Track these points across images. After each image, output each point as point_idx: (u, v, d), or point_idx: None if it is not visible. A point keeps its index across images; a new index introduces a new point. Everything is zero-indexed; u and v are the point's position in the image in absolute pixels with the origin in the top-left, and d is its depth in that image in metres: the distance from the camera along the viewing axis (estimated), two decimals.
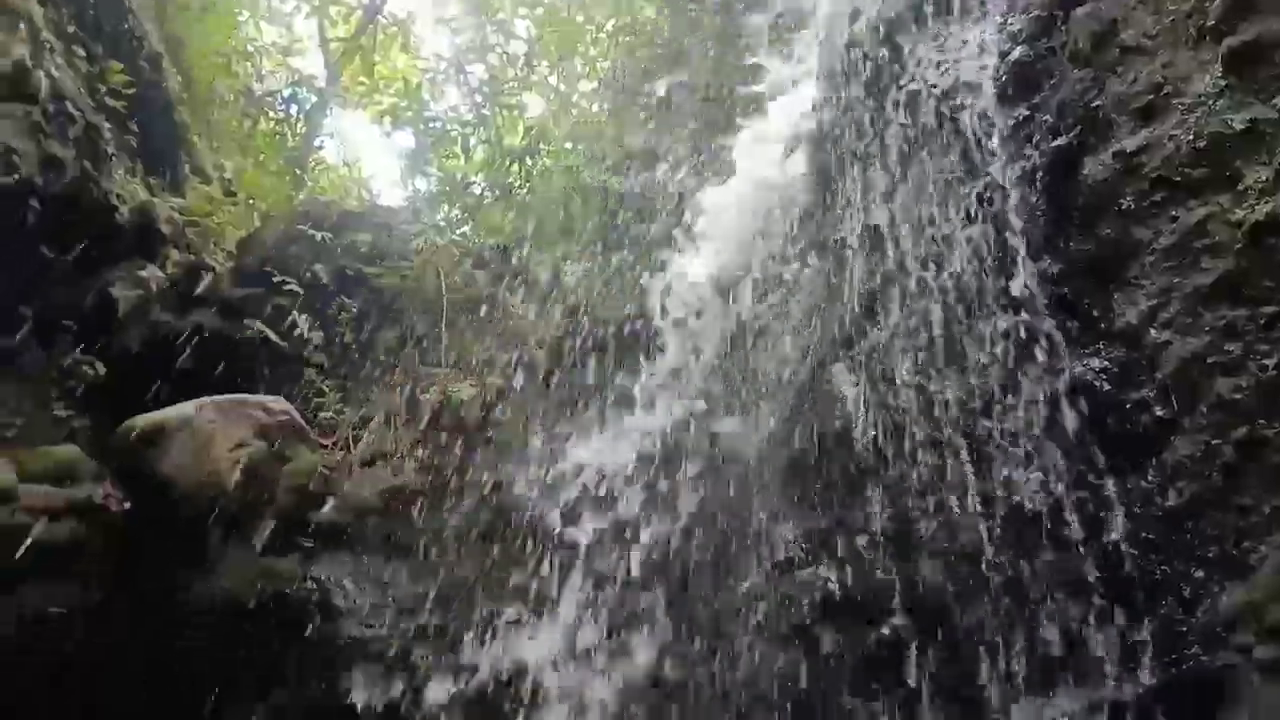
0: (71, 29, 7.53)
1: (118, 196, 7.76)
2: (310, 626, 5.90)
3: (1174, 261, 3.88)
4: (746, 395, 5.25)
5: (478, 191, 8.35)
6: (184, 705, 5.86)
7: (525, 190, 8.02)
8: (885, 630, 4.40)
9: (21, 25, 6.81)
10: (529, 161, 8.11)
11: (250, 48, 11.70)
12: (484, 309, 7.13)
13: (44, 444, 6.85)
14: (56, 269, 7.41)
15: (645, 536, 5.31)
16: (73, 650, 5.86)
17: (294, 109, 13.03)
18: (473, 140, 8.42)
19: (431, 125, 10.09)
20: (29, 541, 5.99)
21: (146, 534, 6.20)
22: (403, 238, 7.92)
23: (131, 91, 8.05)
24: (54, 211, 7.26)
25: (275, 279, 7.40)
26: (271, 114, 12.29)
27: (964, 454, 4.33)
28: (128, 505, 6.27)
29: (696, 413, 5.31)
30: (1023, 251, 4.45)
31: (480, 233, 7.99)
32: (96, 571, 6.13)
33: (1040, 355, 4.33)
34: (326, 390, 7.02)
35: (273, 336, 7.22)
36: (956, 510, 4.33)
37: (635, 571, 5.09)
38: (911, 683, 4.27)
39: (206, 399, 6.46)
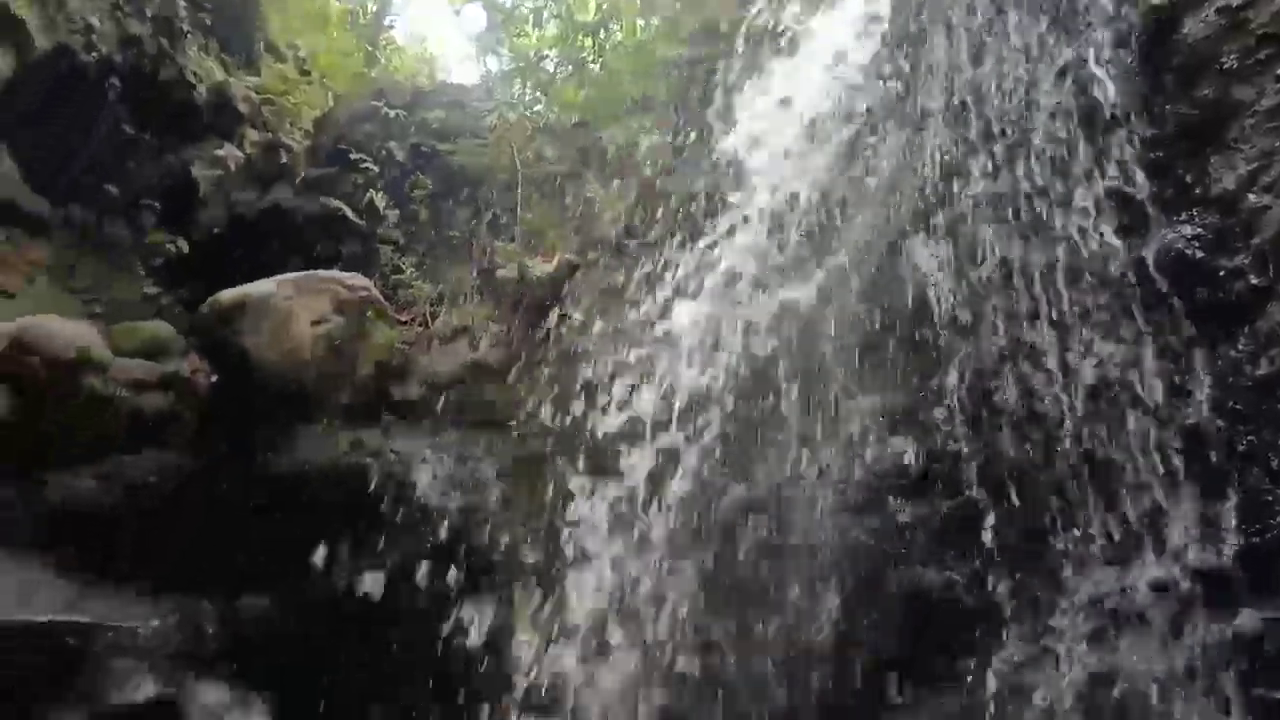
0: None
1: (194, 74, 7.81)
2: (388, 497, 6.07)
3: (1277, 122, 3.71)
4: (824, 269, 5.18)
5: (550, 68, 8.24)
6: (268, 569, 6.11)
7: (598, 65, 7.90)
8: (961, 501, 4.38)
9: None
10: (601, 35, 7.97)
11: None
12: (558, 184, 7.09)
13: (133, 320, 7.05)
14: (139, 147, 7.52)
15: (716, 411, 5.30)
16: (162, 515, 6.10)
17: None
18: (545, 15, 8.29)
19: (501, 2, 9.94)
20: (123, 412, 6.23)
21: (231, 406, 6.38)
22: (476, 115, 7.87)
23: None
24: (133, 89, 7.33)
25: (351, 157, 7.43)
26: None
27: (1045, 324, 4.24)
28: (214, 379, 6.44)
29: (772, 287, 5.26)
30: (1115, 116, 4.29)
31: (553, 109, 7.91)
32: (185, 441, 6.34)
33: (1130, 222, 4.20)
34: (403, 267, 7.08)
35: (350, 214, 7.27)
36: (1036, 381, 4.26)
37: (707, 440, 5.11)
38: (986, 553, 4.26)
39: (287, 275, 6.55)
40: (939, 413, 4.62)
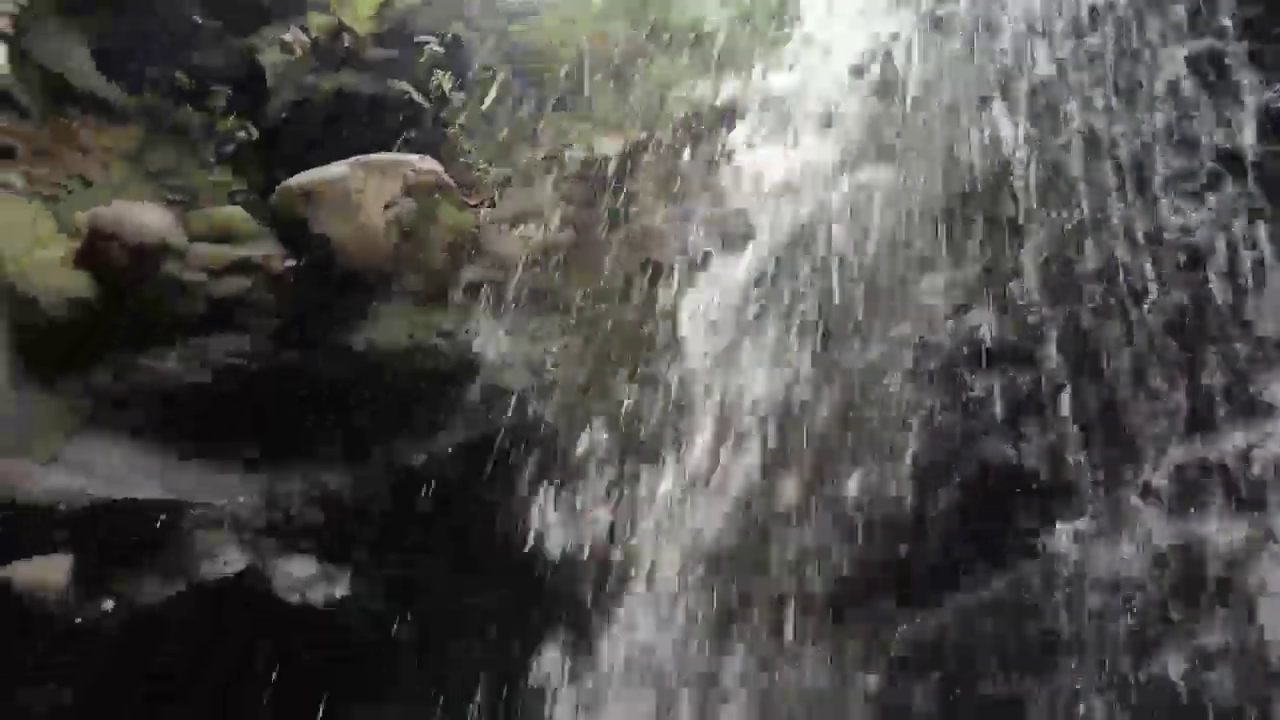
0: None
1: None
2: (463, 377, 6.16)
3: None
4: (899, 139, 5.08)
5: None
6: (347, 448, 6.27)
7: None
8: (1038, 374, 4.33)
9: None
10: None
11: None
12: (627, 62, 6.98)
13: (207, 206, 7.14)
14: (206, 32, 7.52)
15: (788, 284, 5.25)
16: (244, 396, 6.26)
17: None
18: None
19: None
20: (202, 297, 6.35)
21: (305, 290, 6.46)
22: None
23: None
24: None
25: (417, 39, 7.36)
26: None
27: (1130, 192, 4.12)
28: (288, 263, 6.51)
29: (845, 160, 5.17)
30: None
31: None
32: (262, 325, 6.45)
33: (1222, 85, 4.03)
34: (470, 149, 7.05)
35: (416, 96, 7.22)
36: (1120, 251, 4.16)
37: (778, 316, 5.09)
38: (1064, 425, 4.23)
39: (357, 159, 6.57)
40: (1016, 285, 4.54)
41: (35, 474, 5.73)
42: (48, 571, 5.62)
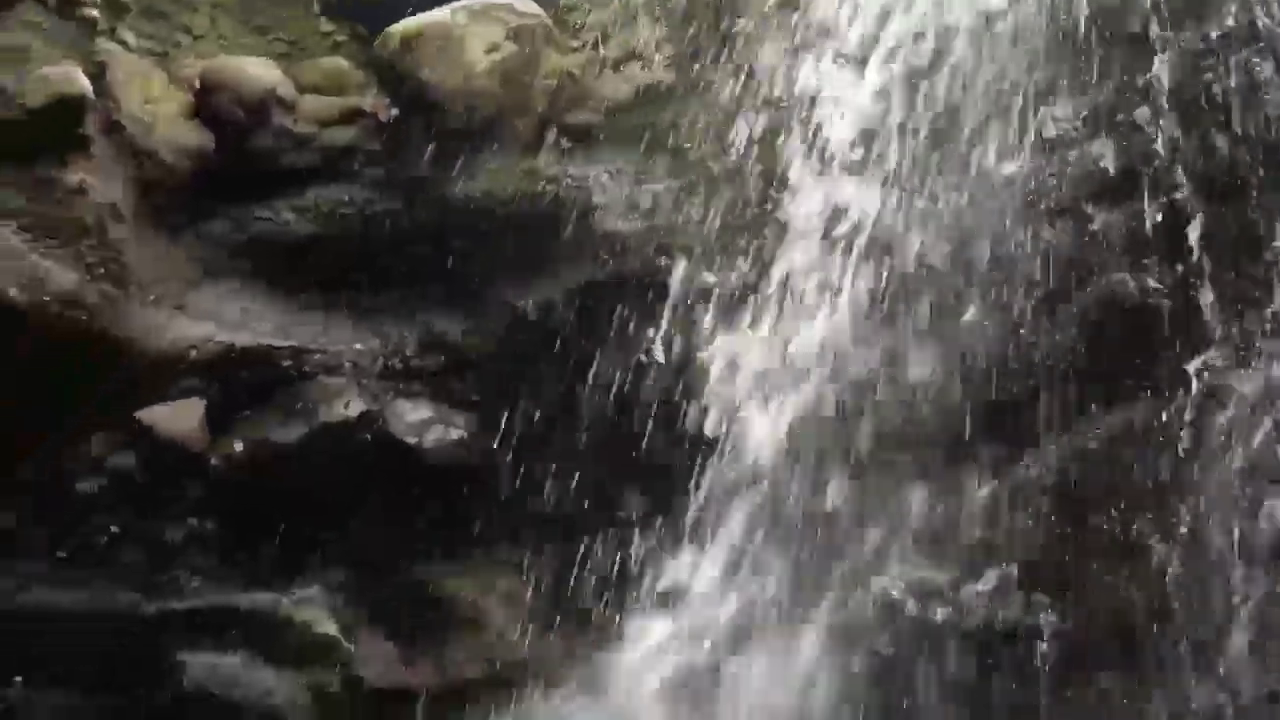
0: None
1: None
2: (569, 221, 6.16)
3: None
4: None
5: None
6: (459, 295, 6.38)
7: None
8: (1166, 204, 4.15)
9: None
10: None
11: None
12: None
13: (313, 57, 7.17)
14: None
15: (895, 139, 5.06)
16: (356, 244, 6.39)
17: None
18: None
19: None
20: (312, 146, 6.44)
21: (411, 138, 6.48)
22: None
23: None
24: None
25: None
26: None
27: (1276, 4, 3.85)
28: (393, 111, 6.53)
29: None
30: None
31: None
32: (369, 175, 6.51)
33: None
34: None
35: None
36: (1262, 71, 3.91)
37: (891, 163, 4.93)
38: (1192, 258, 4.06)
39: (458, 3, 6.47)
40: (1144, 112, 4.31)
41: (164, 322, 5.97)
42: (182, 415, 5.91)
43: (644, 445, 5.86)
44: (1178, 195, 4.11)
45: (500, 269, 6.27)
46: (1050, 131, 4.50)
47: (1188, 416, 3.96)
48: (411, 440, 6.23)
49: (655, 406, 5.93)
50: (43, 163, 5.46)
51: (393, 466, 6.21)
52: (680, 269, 5.98)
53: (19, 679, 5.66)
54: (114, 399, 5.84)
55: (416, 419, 6.29)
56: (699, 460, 5.49)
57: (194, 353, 6.00)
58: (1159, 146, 4.14)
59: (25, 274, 5.27)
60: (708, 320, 5.86)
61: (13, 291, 5.22)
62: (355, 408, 6.18)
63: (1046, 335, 4.39)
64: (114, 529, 5.85)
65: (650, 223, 6.08)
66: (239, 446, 6.07)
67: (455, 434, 6.35)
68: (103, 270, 5.67)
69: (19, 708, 5.67)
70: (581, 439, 6.03)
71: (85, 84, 5.44)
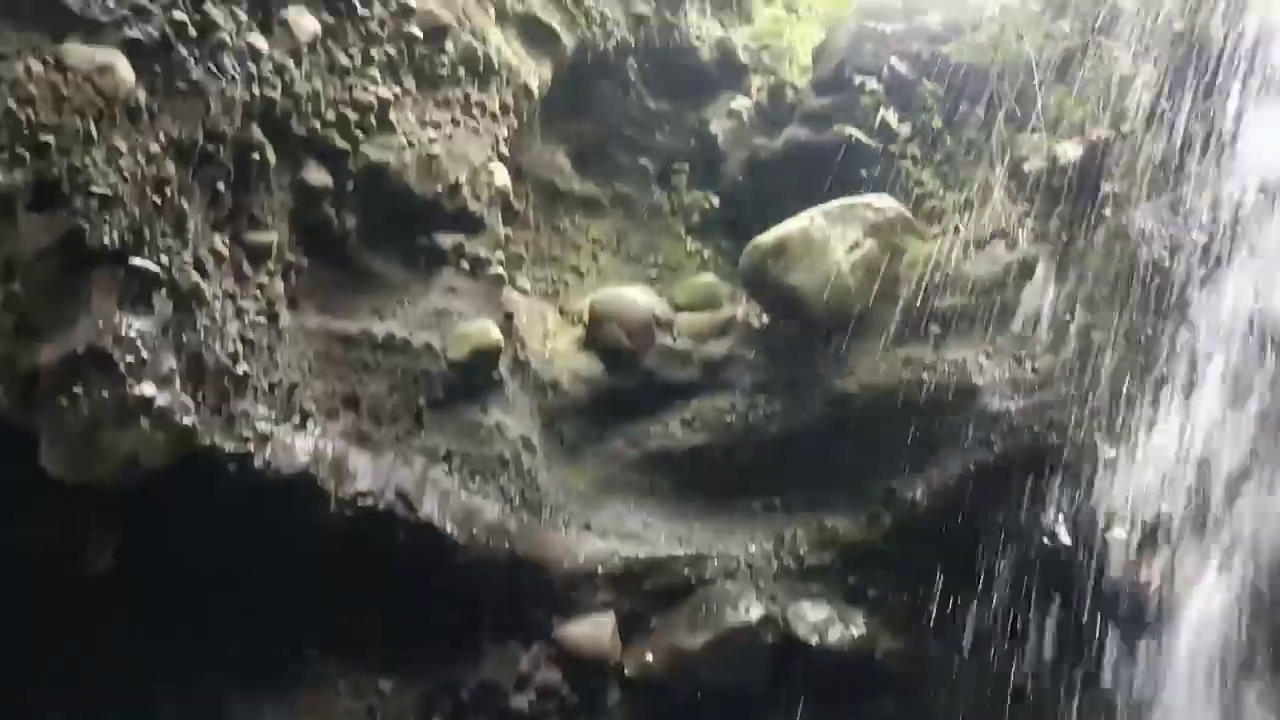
0: None
1: (697, 37, 8.24)
2: (950, 406, 6.12)
3: None
4: None
5: None
6: (844, 484, 6.44)
7: None
8: None
9: None
10: None
11: None
12: (1076, 60, 6.65)
13: (685, 277, 7.70)
14: (663, 116, 8.11)
15: None
16: (740, 452, 6.65)
17: None
18: None
19: None
20: (694, 360, 6.84)
21: (783, 341, 6.72)
22: (973, 8, 7.57)
23: None
24: (648, 63, 7.93)
25: (856, 81, 7.46)
26: None
27: None
28: (764, 318, 6.82)
29: None
30: None
31: None
32: (749, 380, 6.80)
33: None
34: (925, 179, 7.01)
35: (863, 137, 7.32)
36: None
37: None
38: None
39: (816, 209, 6.74)
40: None
41: (574, 542, 6.42)
42: (597, 629, 6.25)
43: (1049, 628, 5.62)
44: None
45: (885, 459, 6.28)
46: None
47: None
48: (814, 640, 6.25)
49: (1059, 589, 5.67)
50: (466, 407, 6.10)
51: (798, 665, 6.24)
52: (1072, 444, 5.77)
53: None
54: (535, 617, 6.27)
55: (817, 618, 6.33)
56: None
57: (601, 568, 6.39)
58: None
59: (459, 510, 5.86)
60: (1112, 491, 5.59)
61: (449, 527, 5.81)
62: (756, 612, 6.30)
63: None
64: None
65: (1038, 399, 5.94)
66: (650, 656, 6.32)
67: (856, 631, 6.32)
68: (520, 499, 6.21)
69: None
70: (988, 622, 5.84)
71: (498, 335, 6.08)
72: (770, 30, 8.78)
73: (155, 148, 4.44)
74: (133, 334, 4.32)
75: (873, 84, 7.48)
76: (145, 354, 4.35)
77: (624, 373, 6.78)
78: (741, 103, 8.21)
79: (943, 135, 7.14)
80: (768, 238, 6.73)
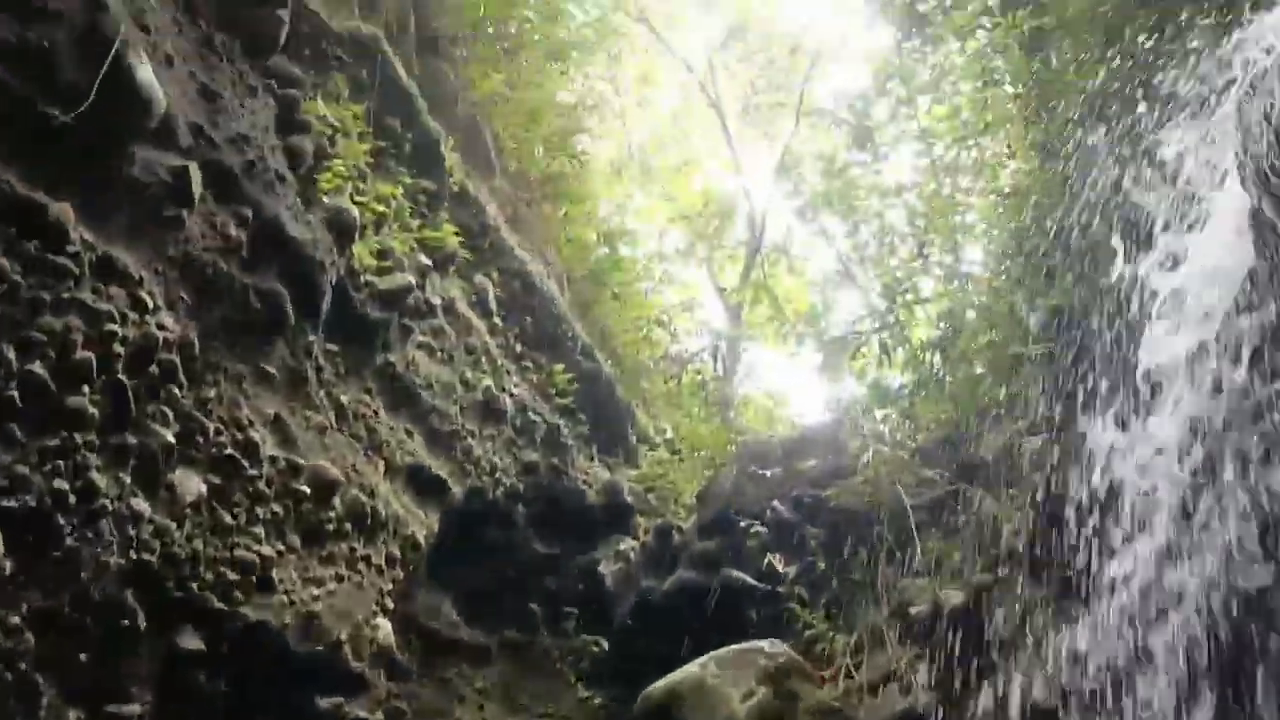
0: (518, 347, 8.49)
1: (584, 481, 8.47)
2: None
3: None
4: None
5: (906, 390, 8.31)
6: None
7: (948, 379, 7.89)
8: None
9: (483, 359, 7.79)
10: (946, 353, 7.99)
11: (660, 314, 12.56)
12: (947, 505, 6.96)
13: None
14: (548, 561, 8.13)
15: None
16: None
17: (707, 357, 13.84)
18: (886, 341, 8.46)
19: (830, 339, 10.22)
20: None
21: None
22: (846, 452, 7.97)
23: (575, 386, 8.84)
24: (537, 510, 8.06)
25: (740, 524, 7.66)
26: (691, 368, 13.08)
27: None
28: None
29: None
30: None
31: (918, 432, 7.92)
32: None
33: None
34: (814, 621, 7.03)
35: (750, 580, 7.41)
36: None
37: None
38: None
39: (709, 656, 6.67)
40: None
41: None
42: None
43: None
44: None
45: None
46: None
47: None
48: None
49: None
50: None
51: None
52: None
53: None
54: None
55: None
56: None
57: None
58: None
59: None
60: None
61: None
62: None
63: None
64: None
65: None
66: None
67: None
68: None
69: None
70: None
71: None
72: (653, 474, 9.11)
73: (15, 619, 4.24)
74: None
75: (757, 527, 7.68)
76: None
77: None
78: (629, 545, 8.33)
79: (828, 577, 7.26)
80: (660, 687, 6.57)
